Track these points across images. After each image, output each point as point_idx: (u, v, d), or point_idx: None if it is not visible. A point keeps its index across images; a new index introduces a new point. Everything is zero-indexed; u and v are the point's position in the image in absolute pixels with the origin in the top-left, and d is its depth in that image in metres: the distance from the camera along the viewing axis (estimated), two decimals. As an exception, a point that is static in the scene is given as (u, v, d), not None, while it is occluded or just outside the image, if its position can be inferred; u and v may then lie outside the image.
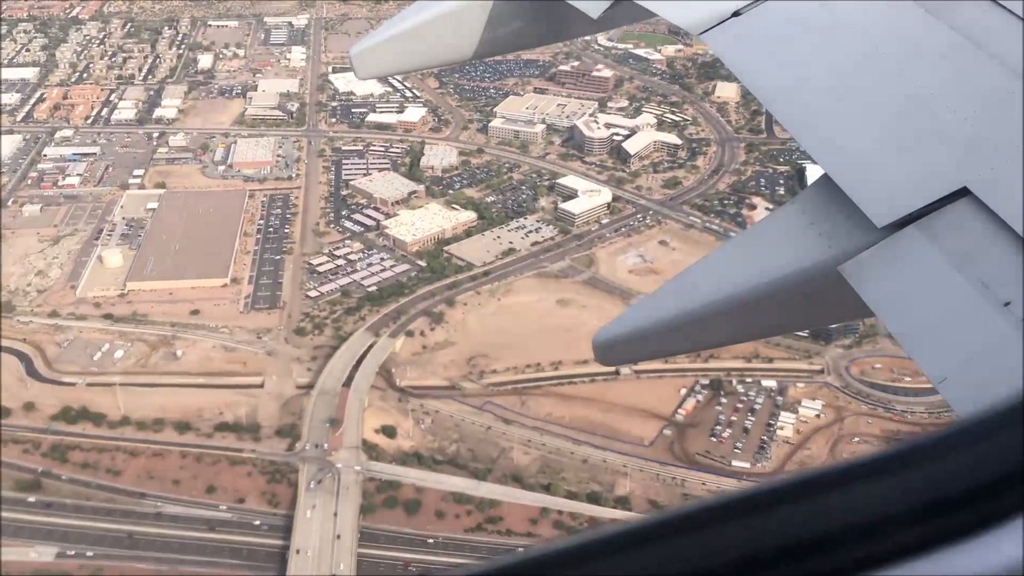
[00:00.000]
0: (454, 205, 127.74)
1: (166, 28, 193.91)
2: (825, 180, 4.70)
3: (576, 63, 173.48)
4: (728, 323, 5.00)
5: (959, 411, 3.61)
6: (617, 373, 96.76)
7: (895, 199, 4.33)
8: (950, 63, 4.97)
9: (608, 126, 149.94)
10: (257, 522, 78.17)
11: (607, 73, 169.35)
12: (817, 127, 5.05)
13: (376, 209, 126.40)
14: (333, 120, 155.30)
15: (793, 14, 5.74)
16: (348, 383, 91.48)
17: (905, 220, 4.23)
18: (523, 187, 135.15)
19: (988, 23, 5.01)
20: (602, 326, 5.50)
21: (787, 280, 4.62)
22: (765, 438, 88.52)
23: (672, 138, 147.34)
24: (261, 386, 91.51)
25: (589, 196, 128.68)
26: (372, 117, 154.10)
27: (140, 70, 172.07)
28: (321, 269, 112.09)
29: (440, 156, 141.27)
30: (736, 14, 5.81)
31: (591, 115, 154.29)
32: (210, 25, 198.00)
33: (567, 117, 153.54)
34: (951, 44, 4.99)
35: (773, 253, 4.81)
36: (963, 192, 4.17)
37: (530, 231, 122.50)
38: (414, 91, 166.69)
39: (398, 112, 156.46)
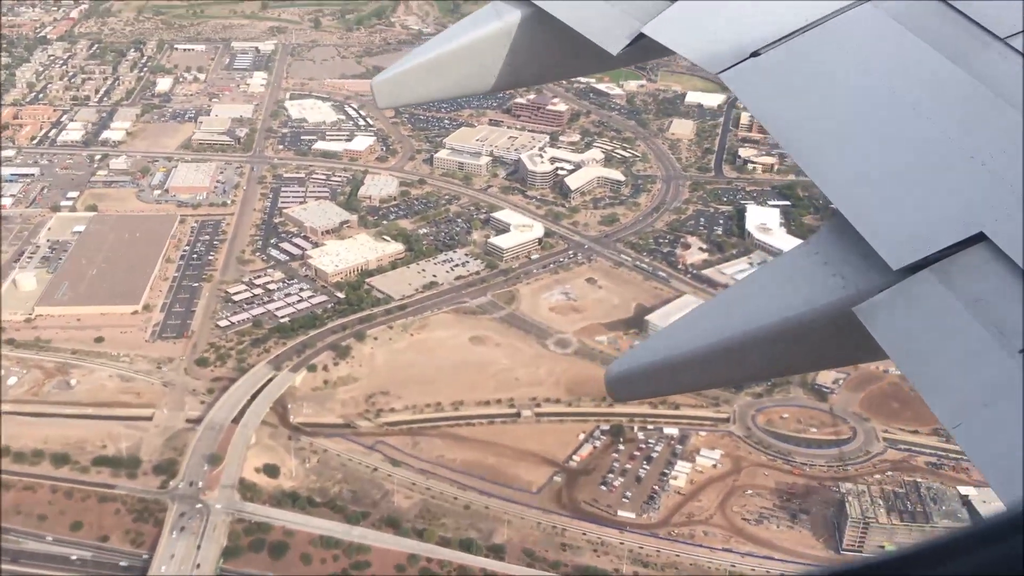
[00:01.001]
0: (384, 236, 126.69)
1: (132, 50, 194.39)
2: (841, 221, 4.76)
3: (532, 96, 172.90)
4: (740, 361, 5.04)
5: (972, 457, 3.70)
6: (518, 415, 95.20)
7: (911, 242, 4.38)
8: (968, 108, 5.02)
9: (553, 160, 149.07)
10: (124, 563, 76.52)
11: (562, 107, 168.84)
12: (834, 168, 5.11)
13: (305, 238, 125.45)
14: (281, 147, 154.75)
15: (811, 56, 5.75)
16: (239, 419, 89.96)
17: (921, 263, 4.29)
18: (459, 220, 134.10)
19: (1006, 68, 5.05)
20: (615, 360, 5.56)
21: (801, 319, 4.67)
22: (656, 488, 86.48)
23: (616, 174, 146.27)
24: (150, 419, 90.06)
25: (521, 231, 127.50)
26: (319, 145, 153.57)
27: (97, 92, 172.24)
28: (237, 298, 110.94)
29: (379, 186, 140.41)
30: (755, 54, 5.85)
31: (540, 148, 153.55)
32: (177, 48, 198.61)
33: (516, 150, 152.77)
34: (970, 88, 5.04)
35: (787, 292, 4.84)
36: (980, 237, 4.22)
37: (457, 265, 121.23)
38: (368, 119, 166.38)
39: (347, 141, 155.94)
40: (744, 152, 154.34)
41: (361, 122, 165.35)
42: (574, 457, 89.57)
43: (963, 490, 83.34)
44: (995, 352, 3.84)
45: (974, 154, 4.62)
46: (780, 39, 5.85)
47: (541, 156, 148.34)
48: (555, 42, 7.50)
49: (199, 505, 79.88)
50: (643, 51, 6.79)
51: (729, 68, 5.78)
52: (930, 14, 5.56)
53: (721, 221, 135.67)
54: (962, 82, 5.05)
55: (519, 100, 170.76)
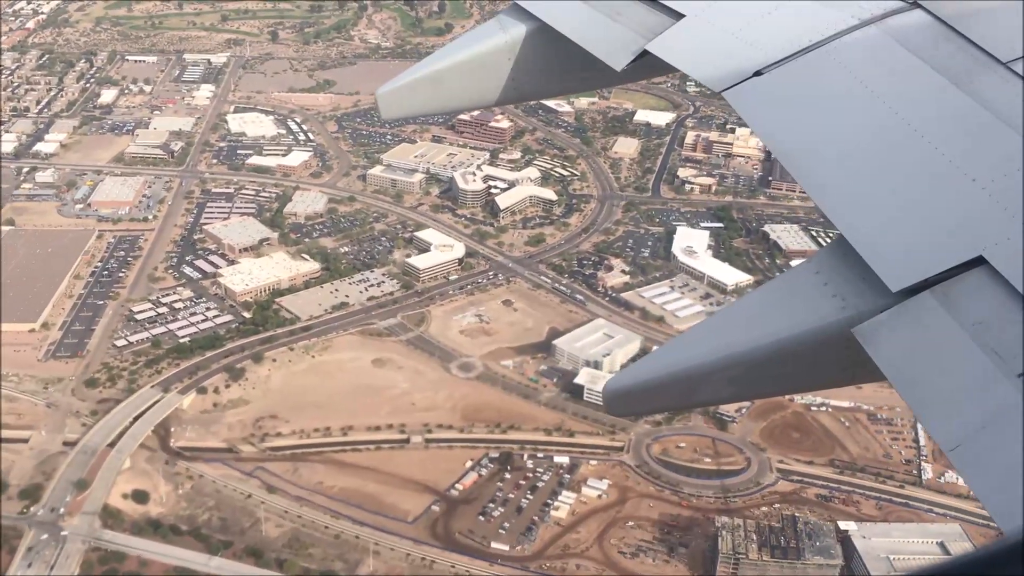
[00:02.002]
0: (303, 255, 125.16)
1: (82, 61, 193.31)
2: (841, 242, 4.79)
3: (476, 112, 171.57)
4: (738, 379, 5.05)
5: (968, 480, 3.79)
6: (407, 441, 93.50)
7: (911, 264, 4.42)
8: (970, 131, 5.02)
9: (487, 178, 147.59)
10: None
11: (505, 124, 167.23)
12: (834, 189, 5.15)
13: (223, 256, 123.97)
14: (215, 161, 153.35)
15: (814, 76, 5.76)
16: (116, 442, 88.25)
17: (920, 286, 4.33)
18: (383, 238, 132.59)
19: (1008, 92, 5.05)
20: (613, 376, 5.44)
21: (800, 339, 4.71)
22: (536, 519, 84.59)
23: (549, 193, 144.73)
24: (27, 441, 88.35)
25: (441, 251, 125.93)
26: (253, 160, 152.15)
27: (38, 103, 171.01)
28: (140, 317, 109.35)
29: (307, 203, 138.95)
30: (758, 73, 5.90)
31: (478, 166, 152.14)
32: (128, 60, 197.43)
33: (453, 167, 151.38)
34: (971, 112, 5.04)
35: (787, 311, 4.87)
36: (979, 260, 4.26)
37: (372, 285, 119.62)
38: (309, 134, 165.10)
39: (283, 156, 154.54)
40: (683, 172, 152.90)
41: (302, 136, 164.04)
42: (457, 486, 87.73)
43: (844, 525, 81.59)
44: (993, 375, 3.85)
45: (975, 177, 4.63)
46: (783, 59, 5.92)
47: (473, 174, 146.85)
48: (559, 57, 7.61)
49: (58, 533, 78.12)
50: (647, 68, 6.88)
51: (732, 87, 5.92)
52: (933, 37, 5.61)
53: (650, 243, 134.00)
54: (964, 105, 5.09)
55: (463, 116, 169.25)
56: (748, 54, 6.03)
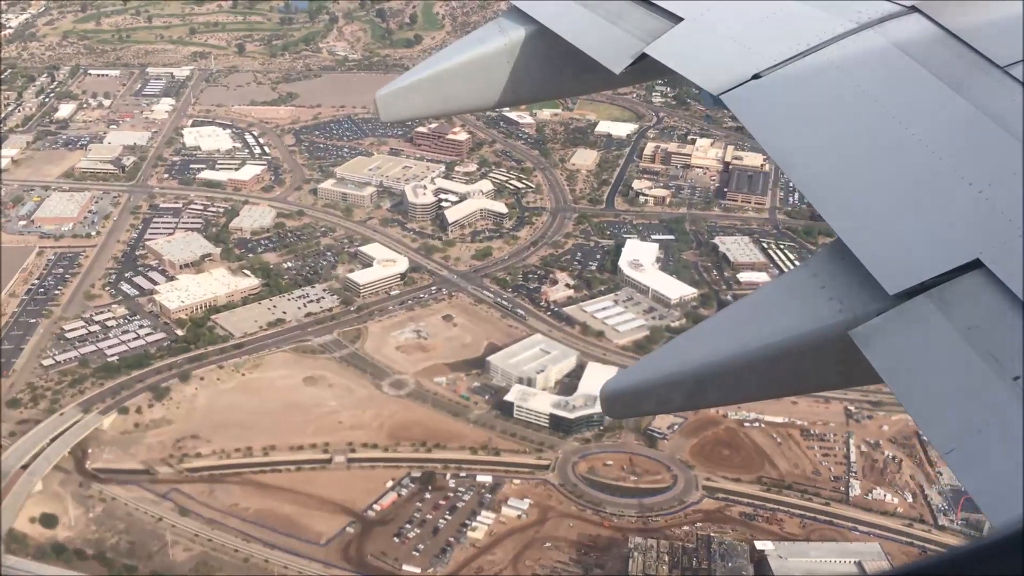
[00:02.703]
0: (245, 271, 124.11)
1: (44, 75, 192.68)
2: (838, 244, 4.81)
3: (434, 125, 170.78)
4: (736, 381, 5.04)
5: (965, 483, 3.79)
6: (329, 461, 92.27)
7: (908, 267, 4.44)
8: (967, 135, 5.05)
9: (439, 192, 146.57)
10: None
11: (462, 136, 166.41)
12: (832, 192, 5.16)
13: (163, 272, 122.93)
14: (167, 176, 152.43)
15: (812, 80, 5.77)
16: (29, 464, 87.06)
17: (917, 289, 4.35)
18: (328, 253, 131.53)
19: (1006, 96, 5.04)
20: (611, 377, 5.53)
21: (797, 341, 4.71)
22: (451, 540, 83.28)
23: (500, 207, 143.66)
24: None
25: (384, 266, 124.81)
26: (205, 174, 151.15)
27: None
28: (70, 335, 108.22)
29: (254, 218, 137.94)
30: (756, 76, 5.92)
31: (431, 179, 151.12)
32: (90, 74, 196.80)
33: (407, 180, 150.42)
34: (969, 116, 5.06)
35: (784, 314, 4.88)
36: (976, 264, 4.28)
37: (311, 301, 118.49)
38: (266, 148, 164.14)
39: (235, 170, 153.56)
40: (637, 184, 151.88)
41: (257, 150, 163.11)
42: (375, 506, 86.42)
43: (761, 544, 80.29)
44: (990, 379, 3.85)
45: (972, 181, 4.64)
46: (781, 62, 5.95)
47: (424, 188, 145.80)
48: (558, 60, 7.65)
49: (-42, 558, 77.06)
50: (646, 71, 6.90)
51: (730, 90, 5.92)
52: (930, 41, 5.62)
53: (598, 256, 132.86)
54: (961, 109, 5.10)
55: (420, 129, 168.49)
56: (746, 58, 6.06)
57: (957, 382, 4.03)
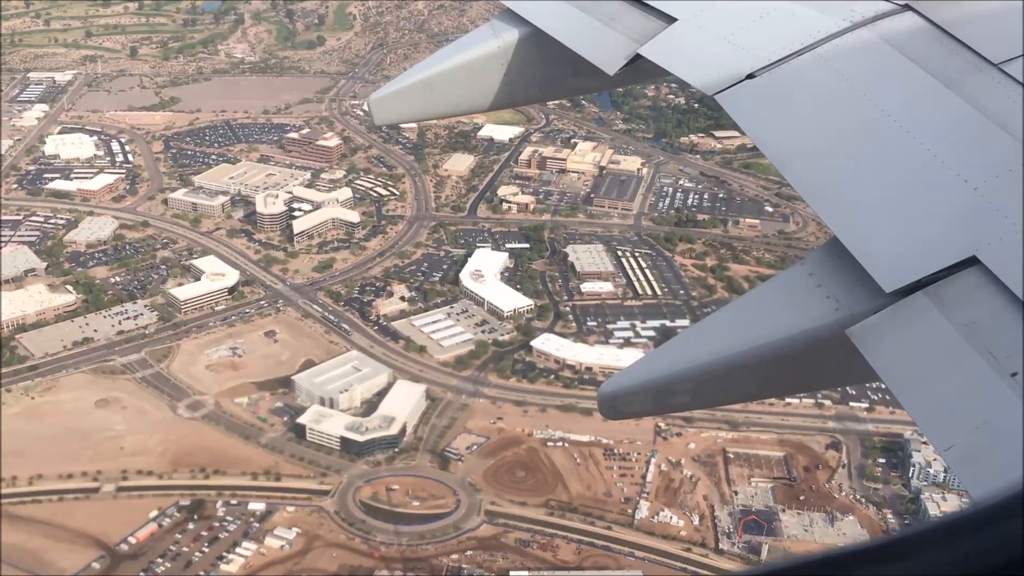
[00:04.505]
0: (67, 287, 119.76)
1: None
2: (834, 243, 4.76)
3: (306, 131, 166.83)
4: (733, 381, 5.03)
5: (962, 480, 3.79)
6: (96, 490, 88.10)
7: (904, 265, 4.41)
8: (962, 132, 5.02)
9: (295, 200, 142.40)
10: None
11: (333, 142, 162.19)
12: (828, 190, 5.13)
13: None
14: (15, 186, 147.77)
15: (806, 79, 5.72)
16: None
17: (913, 286, 4.33)
18: (162, 266, 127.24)
19: (1000, 93, 5.00)
20: (609, 378, 5.53)
21: (794, 340, 4.67)
22: (202, 574, 79.47)
23: (352, 215, 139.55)
24: None
25: (211, 279, 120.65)
26: (55, 184, 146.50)
27: None
28: None
29: (92, 230, 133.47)
30: (750, 76, 5.90)
31: (287, 188, 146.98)
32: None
33: (265, 189, 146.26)
34: (963, 113, 5.02)
35: (780, 313, 4.83)
36: (972, 261, 4.25)
37: (128, 317, 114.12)
38: (130, 155, 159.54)
39: (89, 179, 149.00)
40: (503, 190, 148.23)
41: (120, 158, 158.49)
42: (130, 539, 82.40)
43: (516, 574, 76.98)
44: (987, 376, 3.83)
45: (967, 178, 4.60)
46: (775, 62, 5.91)
47: (275, 197, 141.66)
48: (552, 62, 7.72)
49: None
50: (640, 72, 7.02)
51: (724, 90, 5.89)
52: (924, 39, 5.59)
53: (445, 266, 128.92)
54: (955, 107, 5.06)
55: (292, 135, 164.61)
56: (740, 57, 6.05)
57: (955, 379, 4.00)
